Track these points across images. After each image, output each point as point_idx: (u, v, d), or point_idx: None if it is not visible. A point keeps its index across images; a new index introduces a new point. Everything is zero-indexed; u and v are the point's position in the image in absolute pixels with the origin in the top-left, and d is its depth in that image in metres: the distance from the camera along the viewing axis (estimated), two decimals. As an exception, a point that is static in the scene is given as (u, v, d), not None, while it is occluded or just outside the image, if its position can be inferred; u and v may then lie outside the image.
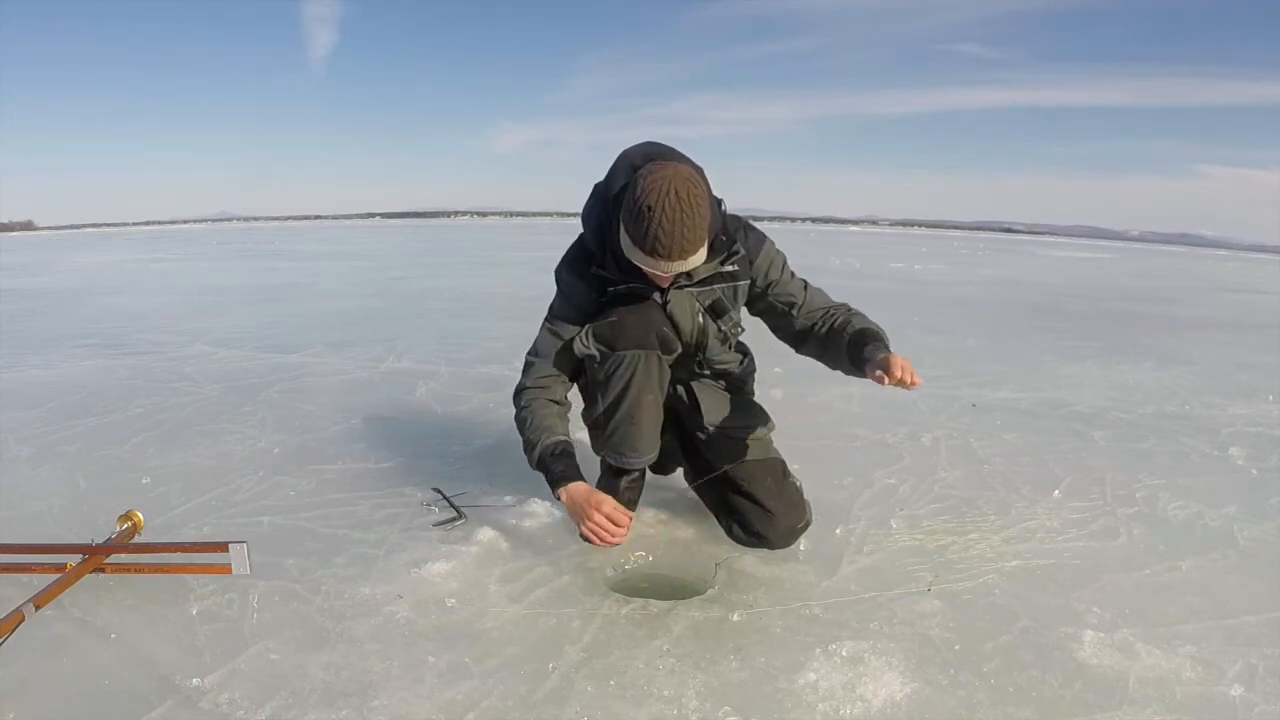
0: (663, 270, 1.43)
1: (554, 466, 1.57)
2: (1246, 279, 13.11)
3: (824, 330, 1.62)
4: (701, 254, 1.44)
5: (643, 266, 1.45)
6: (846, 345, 1.56)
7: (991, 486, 2.12)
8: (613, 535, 1.52)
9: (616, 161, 1.52)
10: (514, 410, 1.67)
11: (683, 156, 1.49)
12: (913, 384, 1.42)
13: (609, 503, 1.53)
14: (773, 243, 1.64)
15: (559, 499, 1.59)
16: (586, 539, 1.57)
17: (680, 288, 1.56)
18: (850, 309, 1.65)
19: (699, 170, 1.44)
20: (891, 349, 1.53)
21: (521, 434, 1.63)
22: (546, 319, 1.66)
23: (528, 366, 1.67)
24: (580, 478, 1.58)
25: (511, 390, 1.70)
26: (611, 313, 1.57)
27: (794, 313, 1.64)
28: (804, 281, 1.68)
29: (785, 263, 1.66)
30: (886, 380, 1.43)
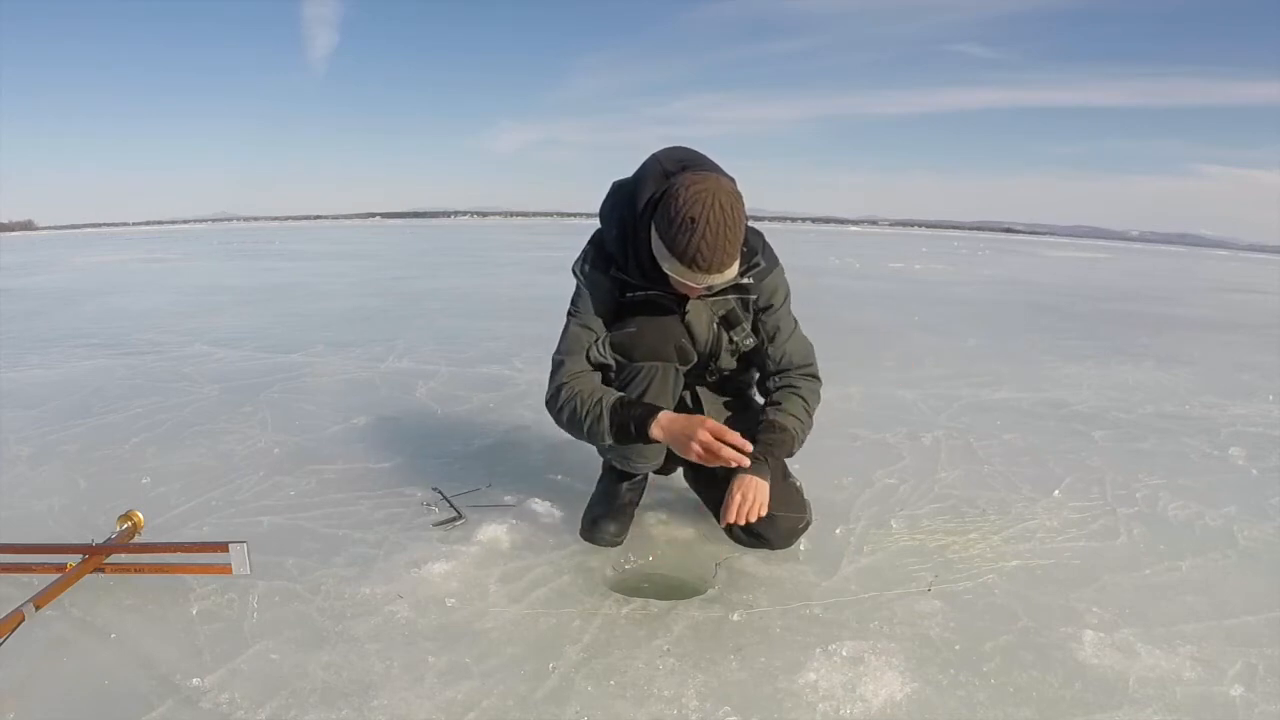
0: (697, 282, 1.42)
1: (632, 412, 1.47)
2: (1246, 279, 13.11)
3: (767, 395, 1.65)
4: (735, 269, 1.44)
5: (676, 276, 1.43)
6: (756, 425, 1.59)
7: (991, 486, 2.12)
8: (728, 457, 1.41)
9: (645, 165, 1.50)
10: (554, 410, 1.57)
11: (716, 165, 1.48)
12: (748, 524, 1.51)
13: (709, 422, 1.44)
14: (783, 270, 1.64)
15: (654, 438, 1.47)
16: (698, 456, 1.44)
17: (699, 297, 1.55)
18: (802, 386, 1.63)
19: (733, 181, 1.43)
20: (792, 447, 1.58)
21: (576, 421, 1.53)
22: (573, 317, 1.60)
23: (557, 367, 1.60)
24: (661, 408, 1.48)
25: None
26: (630, 322, 1.55)
27: (770, 348, 1.63)
28: (795, 321, 1.66)
29: (788, 294, 1.66)
30: (722, 524, 1.54)
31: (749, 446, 1.44)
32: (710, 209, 1.34)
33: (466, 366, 3.62)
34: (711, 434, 1.42)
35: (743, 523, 1.50)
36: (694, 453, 1.44)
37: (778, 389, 1.64)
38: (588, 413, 1.51)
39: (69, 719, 1.16)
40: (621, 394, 1.53)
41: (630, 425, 1.48)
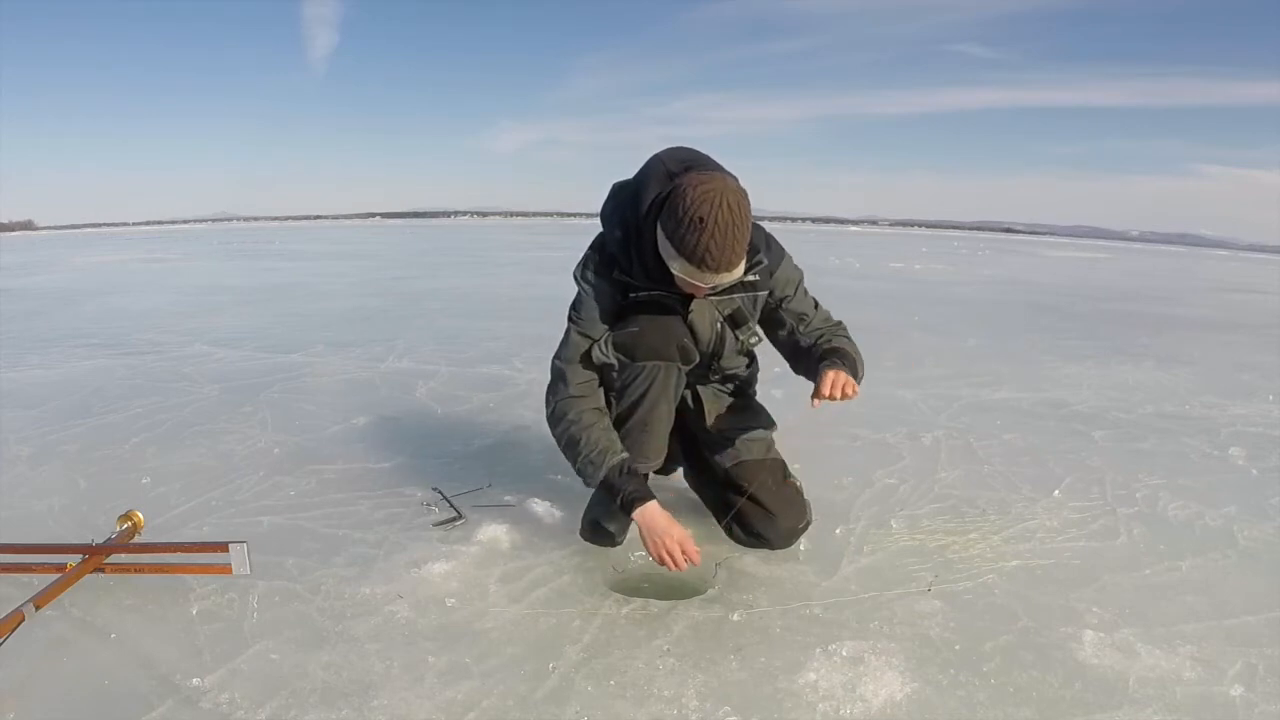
0: (704, 282, 1.42)
1: (626, 486, 1.53)
2: (1246, 279, 13.11)
3: (812, 348, 1.64)
4: (741, 268, 1.44)
5: (683, 275, 1.43)
6: (815, 361, 1.59)
7: (991, 486, 2.12)
8: (682, 566, 1.51)
9: (648, 166, 1.49)
10: (555, 423, 1.60)
11: (719, 165, 1.48)
12: (844, 397, 1.47)
13: (686, 536, 1.52)
14: (791, 257, 1.65)
15: (631, 519, 1.54)
16: (659, 561, 1.53)
17: (704, 297, 1.55)
18: (840, 330, 1.67)
19: (736, 180, 1.43)
20: (857, 373, 1.56)
21: (574, 450, 1.57)
22: (573, 323, 1.60)
23: (559, 374, 1.61)
24: (653, 497, 1.54)
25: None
26: (632, 321, 1.55)
27: (800, 329, 1.65)
28: (815, 300, 1.69)
29: (801, 279, 1.66)
30: (815, 402, 1.49)
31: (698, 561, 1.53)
32: (719, 208, 1.33)
33: (466, 366, 3.62)
34: (684, 552, 1.49)
35: (837, 396, 1.47)
36: (656, 556, 1.52)
37: (818, 340, 1.64)
38: (585, 456, 1.55)
39: (69, 719, 1.16)
40: (626, 455, 1.55)
41: (619, 496, 1.53)
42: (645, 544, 1.53)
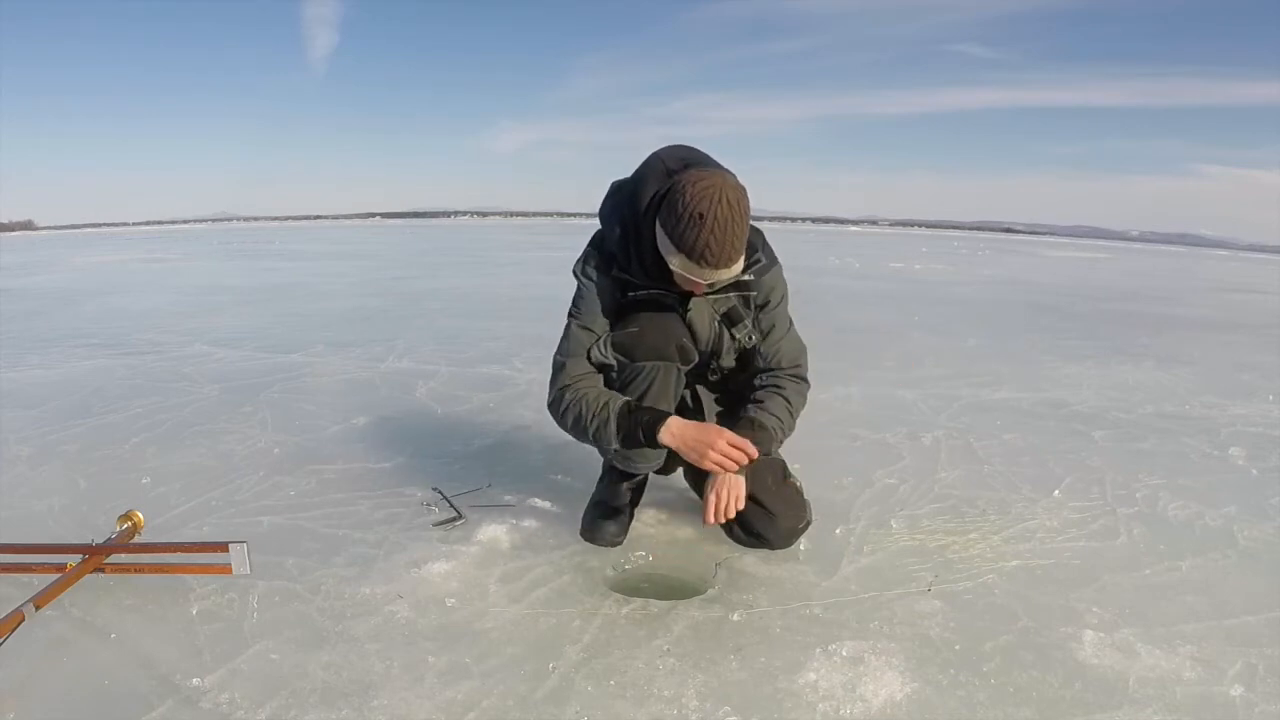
0: (703, 278, 1.42)
1: (640, 417, 1.48)
2: (1246, 279, 13.11)
3: (752, 389, 1.62)
4: (740, 264, 1.43)
5: (682, 272, 1.43)
6: (739, 416, 1.58)
7: (991, 486, 2.12)
8: (740, 459, 1.45)
9: (647, 164, 1.49)
10: (555, 408, 1.57)
11: (717, 163, 1.48)
12: (717, 522, 1.51)
13: (725, 433, 1.46)
14: (782, 269, 1.63)
15: (664, 444, 1.48)
16: (716, 466, 1.46)
17: (702, 295, 1.55)
18: (787, 387, 1.60)
19: (735, 177, 1.43)
20: (765, 449, 1.53)
21: (580, 424, 1.53)
22: (574, 318, 1.59)
23: (559, 367, 1.59)
24: (670, 413, 1.50)
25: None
26: (632, 321, 1.55)
27: (761, 344, 1.62)
28: (790, 321, 1.66)
29: (786, 294, 1.65)
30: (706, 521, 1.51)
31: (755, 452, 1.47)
32: (718, 204, 1.33)
33: (466, 366, 3.62)
34: (730, 444, 1.44)
35: (722, 520, 1.50)
36: (711, 461, 1.45)
37: (762, 387, 1.62)
38: (594, 416, 1.51)
39: (69, 719, 1.16)
40: (628, 399, 1.53)
41: (639, 431, 1.49)
42: (693, 459, 1.47)
